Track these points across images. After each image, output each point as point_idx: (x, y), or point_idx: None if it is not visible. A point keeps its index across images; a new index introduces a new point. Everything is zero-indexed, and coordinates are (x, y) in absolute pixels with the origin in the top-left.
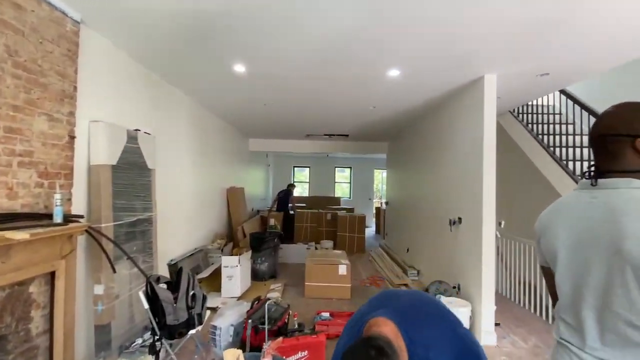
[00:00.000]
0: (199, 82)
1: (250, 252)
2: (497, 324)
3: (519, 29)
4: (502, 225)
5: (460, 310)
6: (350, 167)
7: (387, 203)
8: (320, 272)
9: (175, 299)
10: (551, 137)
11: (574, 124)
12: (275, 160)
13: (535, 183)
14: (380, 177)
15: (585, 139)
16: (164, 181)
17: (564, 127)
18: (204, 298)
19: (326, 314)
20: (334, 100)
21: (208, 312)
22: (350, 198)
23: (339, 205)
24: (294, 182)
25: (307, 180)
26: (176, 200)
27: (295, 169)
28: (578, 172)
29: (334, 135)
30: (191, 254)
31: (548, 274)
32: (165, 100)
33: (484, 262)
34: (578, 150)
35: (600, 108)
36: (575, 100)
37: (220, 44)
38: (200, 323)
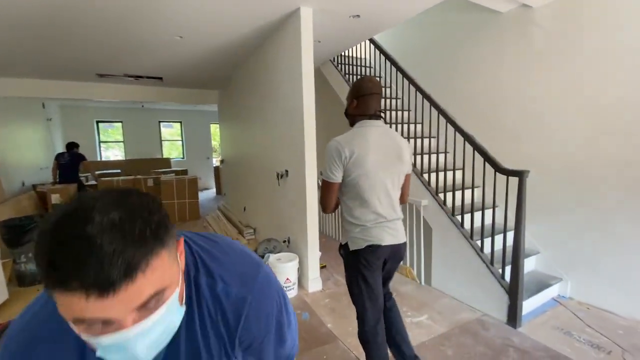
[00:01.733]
0: None
1: None
2: (323, 267)
3: None
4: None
5: (288, 265)
6: (180, 122)
7: (222, 161)
8: None
9: None
10: None
11: (380, 77)
12: (63, 112)
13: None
14: (216, 130)
15: (388, 90)
16: None
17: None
18: None
19: None
20: (123, 25)
21: None
22: (183, 158)
23: (170, 167)
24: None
25: (122, 140)
26: None
27: (100, 124)
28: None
29: (141, 77)
30: None
31: (337, 188)
32: None
33: (308, 212)
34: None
35: (401, 60)
36: (382, 51)
37: None
38: None
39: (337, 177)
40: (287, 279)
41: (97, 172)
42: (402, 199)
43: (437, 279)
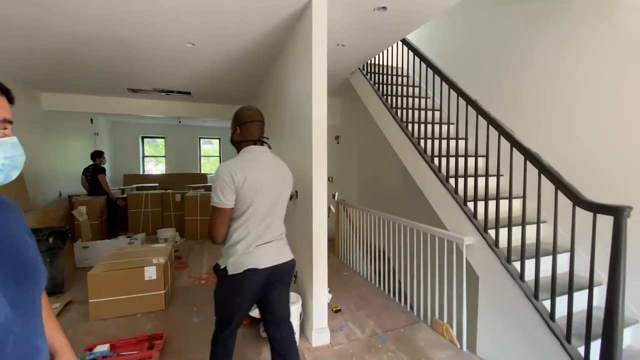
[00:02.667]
0: None
1: None
2: (337, 310)
3: None
4: (336, 197)
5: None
6: (219, 139)
7: None
8: (115, 281)
9: None
10: (399, 99)
11: (419, 87)
12: (112, 128)
13: (386, 150)
14: None
15: (429, 101)
16: None
17: (410, 89)
18: None
19: (104, 348)
20: (137, 38)
21: None
22: None
23: (206, 182)
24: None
25: (163, 155)
26: None
27: (146, 140)
28: (417, 135)
29: (172, 92)
30: None
31: (229, 214)
32: None
33: (315, 242)
34: (423, 114)
35: (441, 64)
36: (417, 53)
37: None
38: None
39: (229, 203)
40: None
41: (135, 185)
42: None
43: (484, 345)
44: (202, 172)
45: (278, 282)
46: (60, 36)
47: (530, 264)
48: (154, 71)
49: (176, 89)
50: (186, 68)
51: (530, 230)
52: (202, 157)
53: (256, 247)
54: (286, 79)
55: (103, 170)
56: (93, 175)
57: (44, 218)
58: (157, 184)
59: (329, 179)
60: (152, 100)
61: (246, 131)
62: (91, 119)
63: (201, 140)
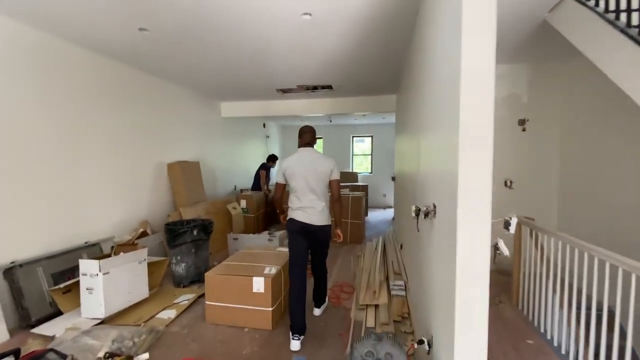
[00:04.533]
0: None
1: (144, 250)
2: None
3: None
4: (512, 225)
5: None
6: (371, 137)
7: (393, 178)
8: (227, 287)
9: None
10: None
11: None
12: (281, 130)
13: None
14: None
15: None
16: None
17: None
18: None
19: None
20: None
21: None
22: (370, 173)
23: (356, 181)
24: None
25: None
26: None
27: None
28: None
29: (316, 88)
30: (63, 253)
31: (282, 187)
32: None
33: (461, 311)
34: None
35: None
36: None
37: None
38: None
39: (281, 180)
40: None
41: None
42: (333, 197)
43: None
44: (354, 170)
45: (313, 238)
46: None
47: None
48: (286, 64)
49: (317, 82)
50: (311, 55)
51: None
52: (354, 156)
53: (294, 210)
54: (427, 52)
55: (264, 167)
56: (257, 171)
57: (211, 208)
58: None
59: (505, 184)
60: (301, 100)
61: (300, 139)
62: (263, 124)
63: (354, 139)
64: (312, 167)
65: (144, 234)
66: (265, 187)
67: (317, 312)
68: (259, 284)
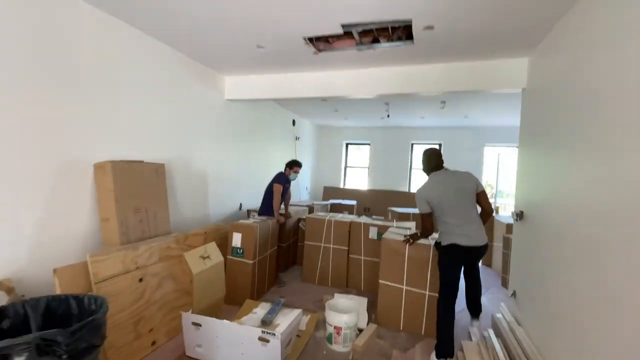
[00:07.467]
0: None
1: None
2: None
3: None
4: None
5: None
6: (440, 144)
7: (519, 215)
8: None
9: None
10: None
11: None
12: (316, 131)
13: None
14: (497, 159)
15: None
16: None
17: None
18: None
19: None
20: None
21: None
22: None
23: (414, 205)
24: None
25: (367, 166)
26: None
27: (350, 146)
28: None
29: (379, 40)
30: None
31: (430, 215)
32: None
33: None
34: None
35: None
36: None
37: None
38: None
39: (427, 210)
40: None
41: (331, 201)
42: (484, 210)
43: None
44: (412, 190)
45: (475, 257)
46: None
47: None
48: None
49: (381, 17)
50: None
51: None
52: (412, 169)
53: (456, 235)
54: None
55: (279, 179)
56: (269, 185)
57: (175, 250)
58: (354, 202)
59: None
60: (348, 70)
61: (428, 163)
62: (293, 120)
63: (414, 146)
64: (459, 186)
65: None
66: (281, 210)
67: (476, 324)
68: None
